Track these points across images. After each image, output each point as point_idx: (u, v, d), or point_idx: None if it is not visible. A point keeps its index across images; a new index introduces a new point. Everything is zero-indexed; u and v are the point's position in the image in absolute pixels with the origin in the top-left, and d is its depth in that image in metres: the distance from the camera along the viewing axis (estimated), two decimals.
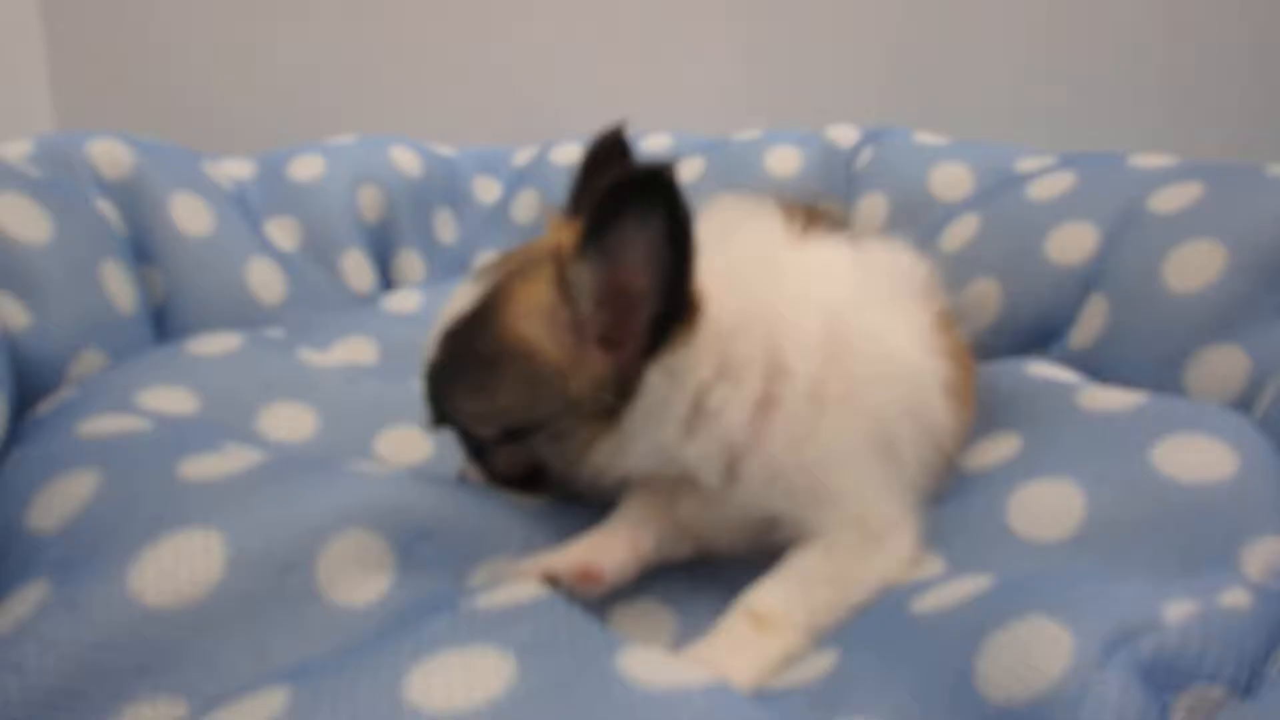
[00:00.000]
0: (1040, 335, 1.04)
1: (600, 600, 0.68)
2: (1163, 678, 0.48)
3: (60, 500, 0.69)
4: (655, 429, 0.67)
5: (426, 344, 0.73)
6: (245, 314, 1.16)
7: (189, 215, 1.14)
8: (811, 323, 0.68)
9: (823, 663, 0.61)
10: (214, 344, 0.98)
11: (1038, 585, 0.56)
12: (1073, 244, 1.03)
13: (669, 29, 1.77)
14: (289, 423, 0.91)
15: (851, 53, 1.76)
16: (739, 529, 0.71)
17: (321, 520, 0.67)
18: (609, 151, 0.83)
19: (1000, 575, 0.61)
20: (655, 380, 0.66)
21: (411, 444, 0.92)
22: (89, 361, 0.95)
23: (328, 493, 0.68)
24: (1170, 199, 0.97)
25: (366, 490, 0.70)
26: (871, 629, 0.63)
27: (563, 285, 0.66)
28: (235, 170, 1.30)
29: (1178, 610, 0.51)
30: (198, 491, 0.68)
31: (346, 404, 0.95)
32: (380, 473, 0.73)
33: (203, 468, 0.71)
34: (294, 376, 0.96)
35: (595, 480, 0.72)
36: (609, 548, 0.69)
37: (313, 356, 1.00)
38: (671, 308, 0.64)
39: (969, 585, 0.61)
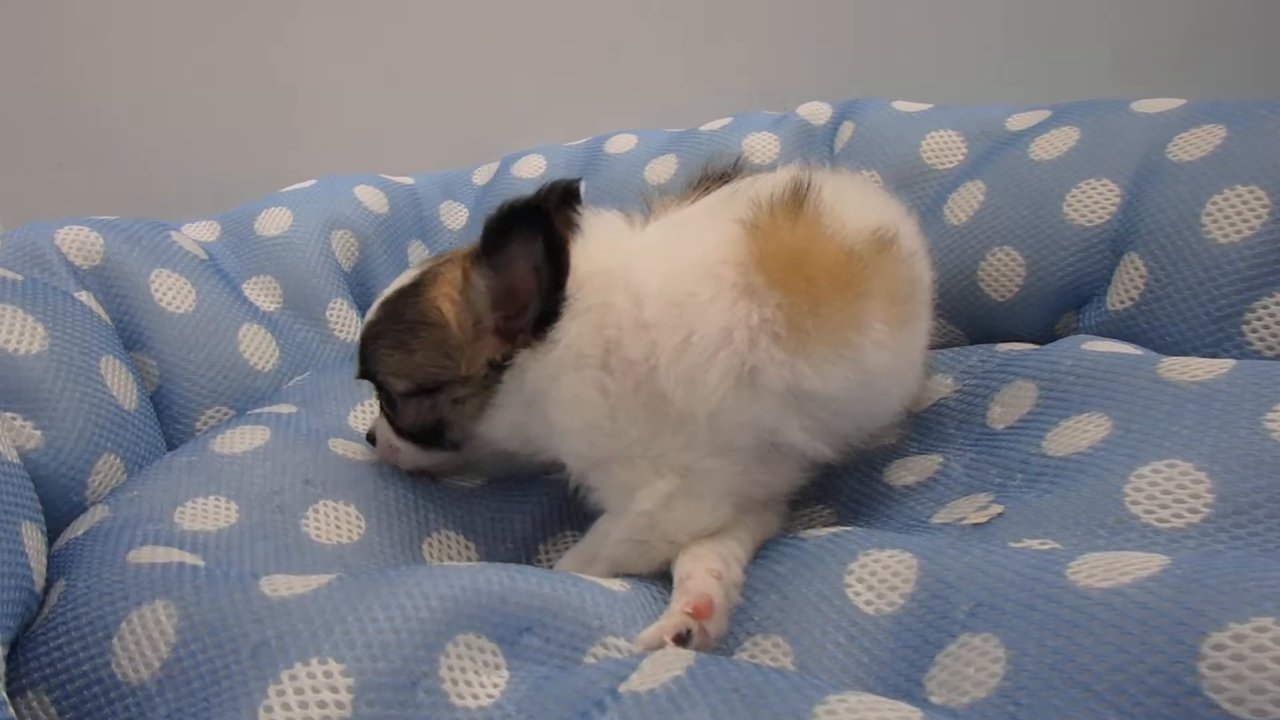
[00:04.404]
0: (1073, 299, 1.04)
1: None
2: None
3: (145, 643, 0.63)
4: (509, 407, 0.79)
5: (371, 308, 0.88)
6: (243, 387, 1.09)
7: (171, 292, 1.06)
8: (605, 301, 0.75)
9: (993, 673, 0.57)
10: (240, 440, 0.91)
11: (1237, 573, 0.52)
12: (1093, 203, 1.02)
13: (617, 26, 1.71)
14: (338, 523, 0.85)
15: (768, 30, 1.72)
16: None
17: (433, 628, 0.63)
18: (560, 193, 0.90)
19: (1172, 557, 0.58)
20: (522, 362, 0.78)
21: (451, 545, 0.88)
22: (107, 470, 0.88)
23: (428, 599, 0.64)
24: (1192, 145, 0.96)
25: (463, 590, 0.66)
26: (1032, 612, 0.58)
27: (464, 287, 0.78)
28: (200, 234, 1.22)
29: None
30: (293, 612, 0.63)
31: (387, 498, 0.89)
32: (466, 568, 0.69)
33: (286, 585, 0.66)
34: (331, 469, 0.89)
35: (484, 448, 0.85)
36: (699, 584, 0.71)
37: (341, 446, 0.94)
38: (549, 309, 0.75)
39: (1141, 563, 0.57)
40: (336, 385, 1.07)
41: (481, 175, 1.50)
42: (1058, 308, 1.05)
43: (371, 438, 0.92)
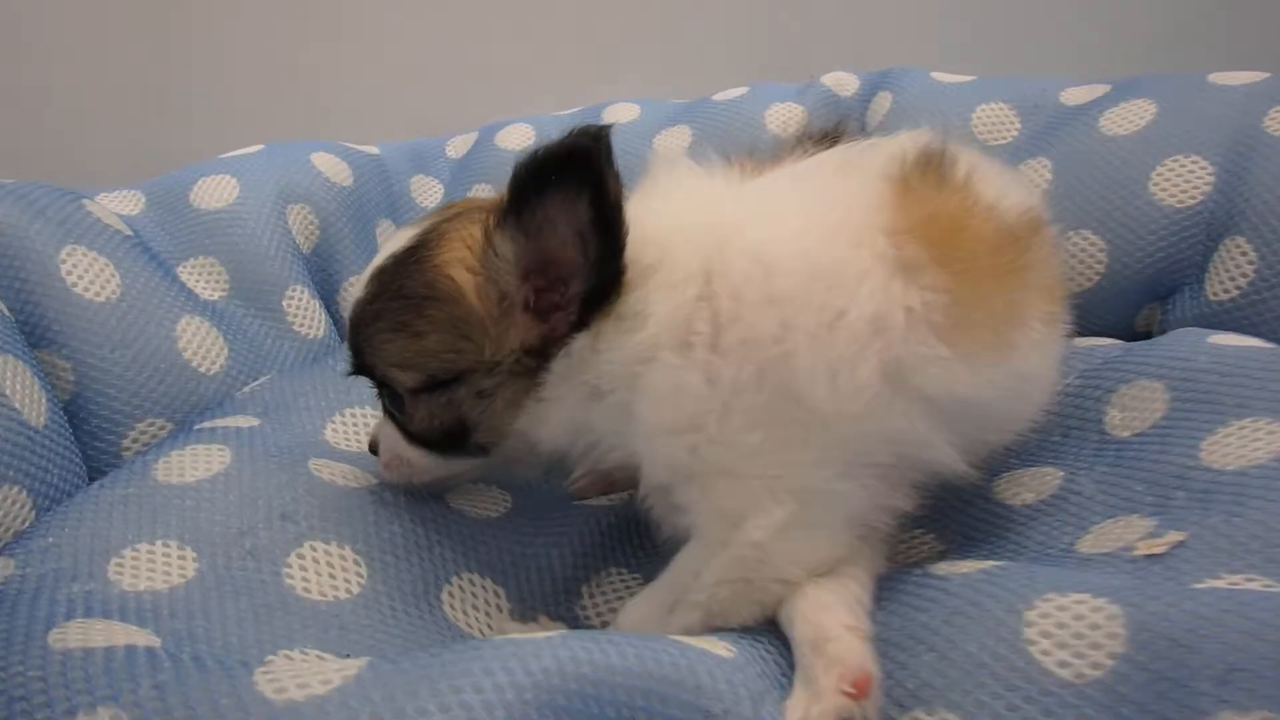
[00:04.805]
0: (1160, 289, 0.93)
1: None
2: None
3: None
4: (563, 401, 0.63)
5: (357, 283, 0.68)
6: (184, 393, 0.88)
7: (88, 275, 0.84)
8: (684, 266, 0.59)
9: None
10: (191, 463, 0.71)
11: None
12: (1183, 181, 0.92)
13: None
14: (331, 570, 0.66)
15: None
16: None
17: None
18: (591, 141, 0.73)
19: None
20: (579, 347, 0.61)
21: (476, 592, 0.70)
22: (7, 507, 0.67)
23: (500, 692, 0.47)
24: None
25: (544, 674, 0.49)
26: None
27: (484, 252, 0.61)
28: (119, 205, 0.99)
29: None
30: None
31: (391, 534, 0.70)
32: (540, 642, 0.52)
33: (294, 679, 0.47)
34: (316, 499, 0.70)
35: (523, 450, 0.67)
36: (848, 650, 0.55)
37: (325, 468, 0.74)
38: (603, 284, 0.59)
39: None
40: (306, 390, 0.87)
41: (456, 147, 1.31)
42: (1141, 298, 0.95)
43: (375, 448, 0.73)
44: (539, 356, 0.62)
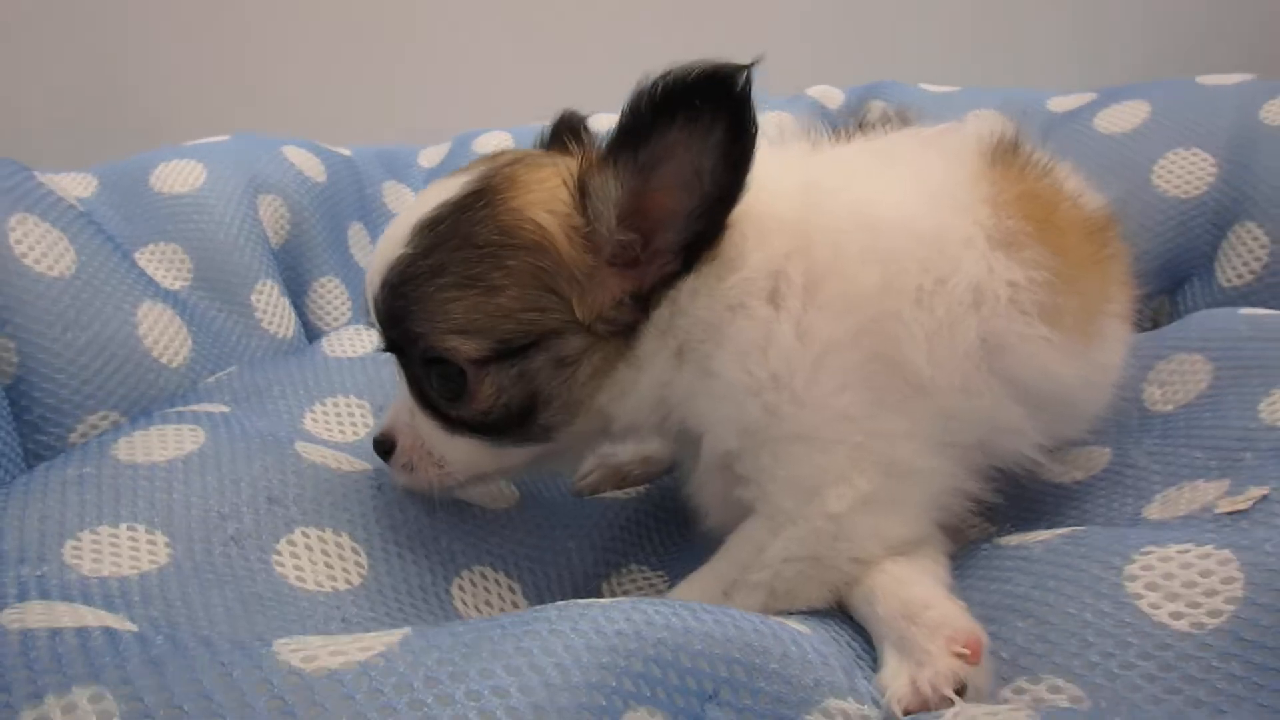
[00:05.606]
0: (1168, 280, 0.93)
1: None
2: None
3: None
4: (653, 363, 0.56)
5: (386, 241, 0.57)
6: (142, 385, 0.78)
7: (39, 247, 0.75)
8: (782, 208, 0.56)
9: None
10: (157, 444, 0.63)
11: None
12: (1184, 173, 0.92)
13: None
14: (328, 559, 0.58)
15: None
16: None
17: (589, 700, 0.39)
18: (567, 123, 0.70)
19: None
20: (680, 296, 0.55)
21: (489, 587, 0.63)
22: None
23: (575, 655, 0.40)
24: None
25: (619, 638, 0.43)
26: None
27: (580, 195, 0.54)
28: (68, 188, 0.90)
29: None
30: (357, 691, 0.37)
31: (393, 522, 0.62)
32: (610, 605, 0.45)
33: (329, 651, 0.39)
34: (306, 482, 0.62)
35: (586, 435, 0.60)
36: (952, 615, 0.51)
37: (313, 451, 0.66)
38: (714, 227, 0.53)
39: None
40: (280, 379, 0.79)
41: (429, 157, 1.25)
42: (1150, 291, 0.93)
43: (384, 447, 0.61)
44: (636, 311, 0.55)
